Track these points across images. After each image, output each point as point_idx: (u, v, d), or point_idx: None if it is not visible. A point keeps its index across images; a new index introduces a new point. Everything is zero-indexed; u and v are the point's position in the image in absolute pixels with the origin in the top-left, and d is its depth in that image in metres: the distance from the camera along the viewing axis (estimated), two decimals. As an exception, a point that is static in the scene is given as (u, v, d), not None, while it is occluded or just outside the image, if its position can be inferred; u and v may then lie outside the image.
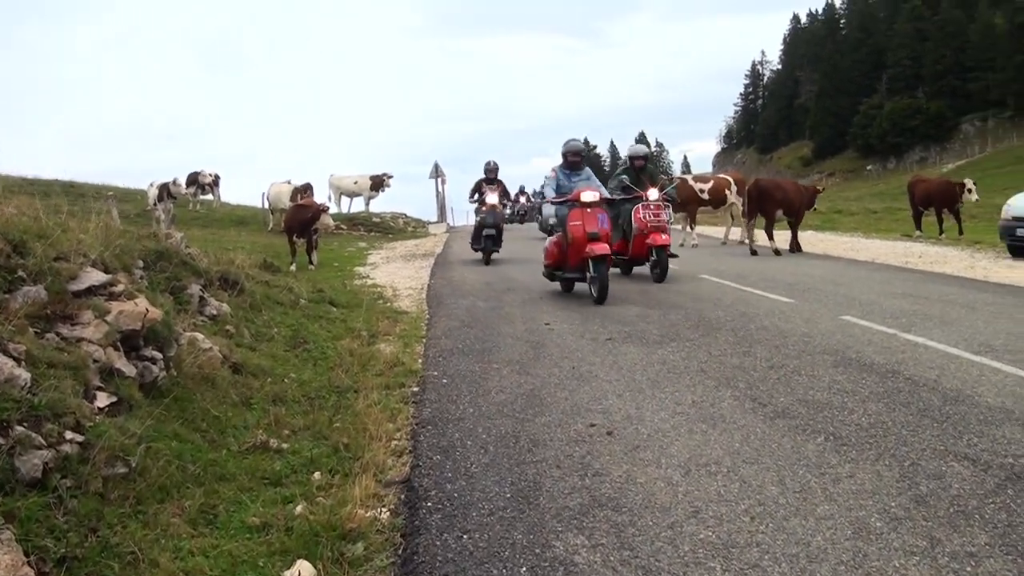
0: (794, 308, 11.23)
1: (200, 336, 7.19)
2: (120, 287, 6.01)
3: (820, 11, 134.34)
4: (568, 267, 13.00)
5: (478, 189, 21.11)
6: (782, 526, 4.43)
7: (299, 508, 4.74)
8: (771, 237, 20.03)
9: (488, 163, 21.33)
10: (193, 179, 30.32)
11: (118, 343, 5.52)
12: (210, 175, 31.40)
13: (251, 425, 6.17)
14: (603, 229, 12.53)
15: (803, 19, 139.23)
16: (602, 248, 12.23)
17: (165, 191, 24.50)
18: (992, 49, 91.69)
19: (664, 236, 14.62)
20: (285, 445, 5.88)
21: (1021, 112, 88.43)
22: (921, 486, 4.95)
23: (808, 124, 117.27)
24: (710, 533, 4.37)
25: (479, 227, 20.41)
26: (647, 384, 7.47)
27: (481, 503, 4.88)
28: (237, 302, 9.32)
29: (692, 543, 4.25)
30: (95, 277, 5.86)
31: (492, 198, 20.46)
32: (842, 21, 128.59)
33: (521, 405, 6.93)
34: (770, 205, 20.06)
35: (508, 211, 38.25)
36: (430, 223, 36.07)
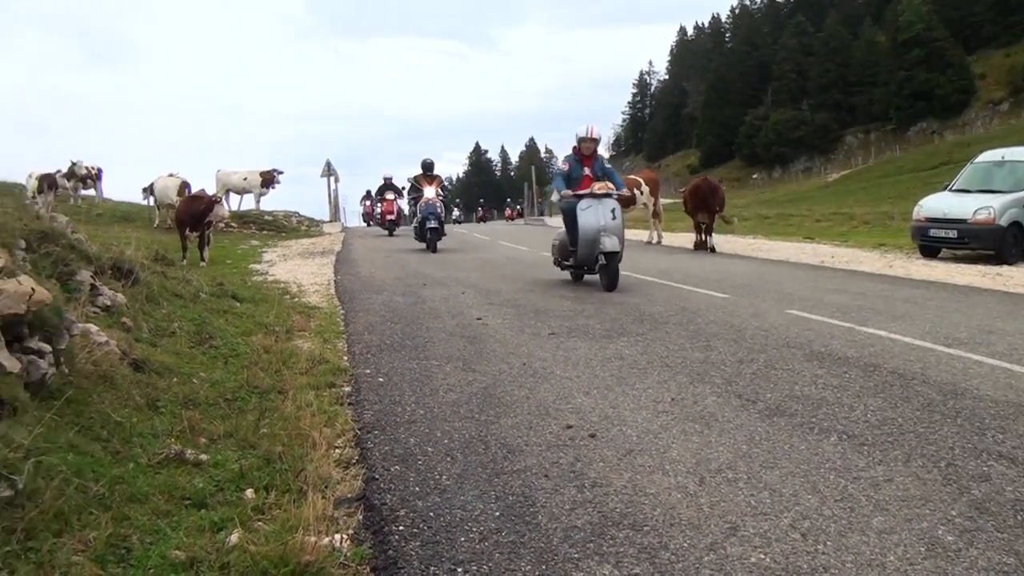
0: (734, 303, 10.61)
1: (94, 328, 6.06)
2: (0, 263, 4.88)
3: (706, 24, 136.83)
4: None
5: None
6: (842, 544, 3.64)
7: (234, 537, 3.70)
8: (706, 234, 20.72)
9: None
10: (71, 172, 28.28)
11: (-3, 331, 4.39)
12: (90, 168, 29.39)
13: (161, 433, 5.06)
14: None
15: (690, 31, 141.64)
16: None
17: (46, 182, 22.63)
18: (875, 65, 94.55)
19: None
20: (204, 456, 4.81)
21: (902, 125, 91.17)
22: (973, 490, 4.28)
23: (695, 133, 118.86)
24: (762, 556, 3.53)
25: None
26: (612, 380, 6.64)
27: (466, 524, 3.93)
28: (132, 293, 8.13)
29: (746, 571, 3.40)
30: (-36, 249, 4.72)
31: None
32: (727, 34, 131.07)
33: (478, 405, 6.01)
34: (714, 204, 20.31)
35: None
36: (324, 222, 34.62)
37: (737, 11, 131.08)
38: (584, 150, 13.06)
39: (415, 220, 22.38)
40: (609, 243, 11.96)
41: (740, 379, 6.61)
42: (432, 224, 20.73)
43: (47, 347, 4.82)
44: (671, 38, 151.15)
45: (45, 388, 4.64)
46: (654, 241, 23.25)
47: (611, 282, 12.11)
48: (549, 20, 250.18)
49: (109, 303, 7.36)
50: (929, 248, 17.91)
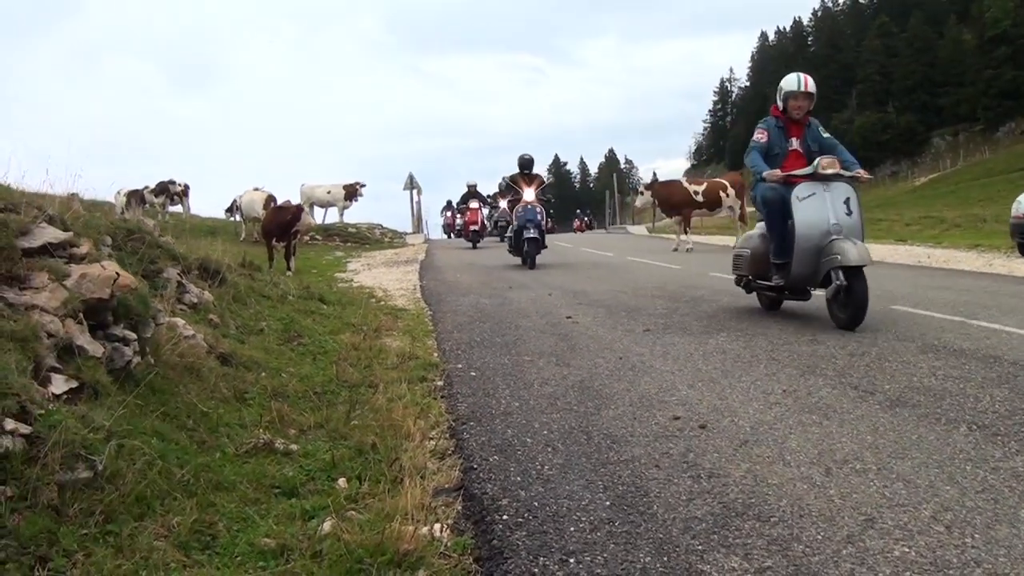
0: (834, 300, 10.10)
1: (181, 321, 5.92)
2: (84, 249, 4.75)
3: (788, 28, 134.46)
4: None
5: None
6: (991, 537, 3.25)
7: (327, 525, 3.48)
8: None
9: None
10: (163, 188, 28.62)
11: (80, 315, 4.24)
12: (180, 184, 29.80)
13: (249, 424, 4.89)
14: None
15: (771, 36, 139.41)
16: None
17: (135, 199, 22.92)
18: (961, 64, 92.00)
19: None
20: (294, 446, 4.61)
21: (991, 126, 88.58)
22: None
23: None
24: (906, 549, 3.16)
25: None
26: (717, 373, 6.29)
27: (575, 514, 3.63)
28: (219, 293, 8.03)
29: (891, 565, 3.04)
30: (52, 234, 4.60)
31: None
32: (810, 38, 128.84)
33: (576, 397, 5.71)
34: None
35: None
36: (407, 234, 34.69)
37: (819, 13, 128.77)
38: (793, 111, 8.84)
39: (509, 228, 18.92)
40: (851, 252, 7.91)
41: (854, 371, 6.21)
42: (531, 233, 17.10)
43: (132, 335, 4.68)
44: (752, 44, 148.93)
45: (129, 376, 4.48)
46: (742, 245, 22.68)
47: (854, 316, 8.03)
48: (625, 31, 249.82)
49: (196, 300, 7.26)
50: (1029, 246, 17.16)
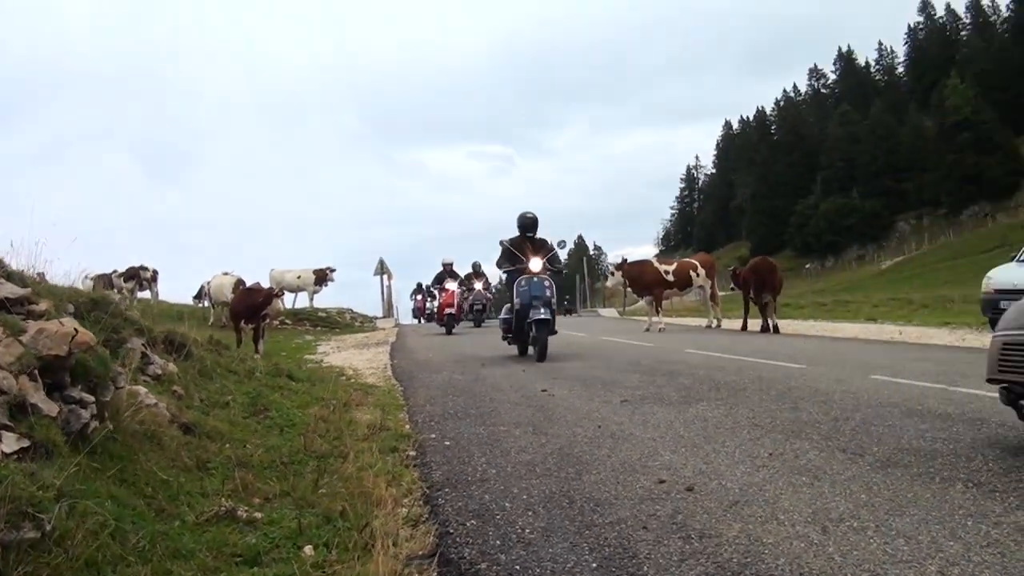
0: (812, 372, 10.00)
1: (143, 390, 5.68)
2: (43, 307, 4.53)
3: (751, 117, 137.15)
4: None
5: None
6: (1004, 590, 3.06)
7: (293, 593, 3.22)
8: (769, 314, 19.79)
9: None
10: (133, 273, 28.16)
11: (36, 373, 3.99)
12: (150, 270, 29.44)
13: (211, 492, 4.62)
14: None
15: (735, 125, 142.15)
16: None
17: (102, 283, 22.53)
18: (923, 150, 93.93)
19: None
20: (258, 515, 4.34)
21: (955, 210, 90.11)
22: None
23: (745, 225, 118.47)
24: (917, 605, 2.96)
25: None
26: (700, 439, 6.08)
27: (560, 576, 3.40)
28: (185, 367, 7.76)
29: (901, 618, 2.84)
30: (9, 289, 4.39)
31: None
32: (773, 126, 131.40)
33: (555, 463, 5.48)
34: (775, 282, 19.90)
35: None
36: (377, 318, 34.46)
37: (782, 103, 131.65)
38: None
39: (504, 309, 14.85)
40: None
41: (839, 435, 6.03)
42: (541, 314, 12.88)
43: (90, 398, 4.42)
44: (716, 133, 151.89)
45: (86, 440, 4.21)
46: (713, 325, 22.61)
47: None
48: (593, 121, 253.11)
49: (160, 372, 7.00)
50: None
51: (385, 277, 35.58)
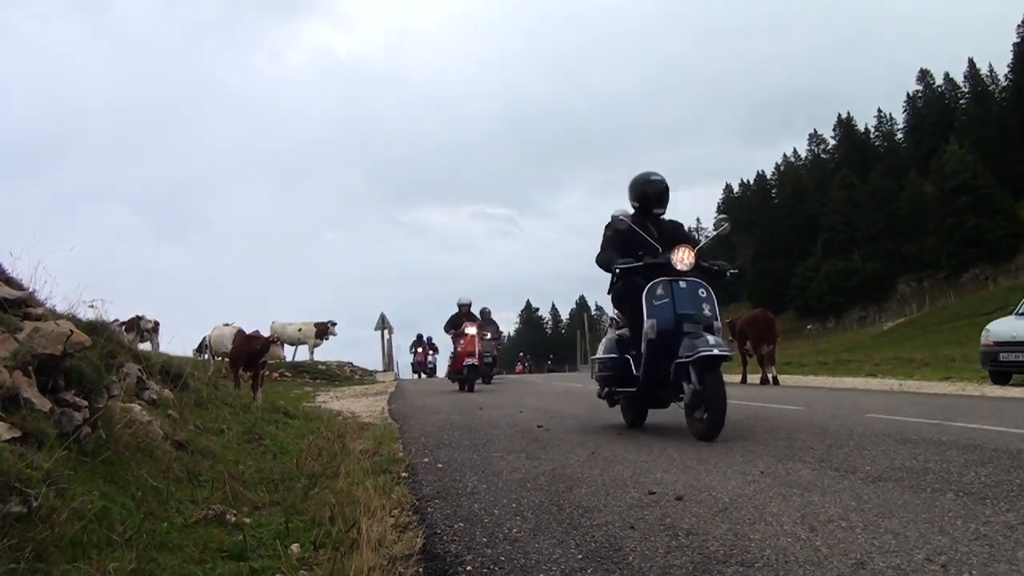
0: (809, 412, 9.98)
1: (137, 407, 5.69)
2: (40, 311, 4.56)
3: (751, 180, 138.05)
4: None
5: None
6: (989, 572, 3.07)
7: (276, 580, 3.22)
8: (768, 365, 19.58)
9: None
10: (133, 324, 28.20)
11: (30, 370, 4.02)
12: (151, 321, 29.42)
13: (201, 500, 4.62)
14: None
15: (735, 188, 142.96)
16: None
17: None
18: (923, 213, 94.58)
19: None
20: (247, 519, 4.33)
21: (955, 272, 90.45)
22: None
23: (745, 286, 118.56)
24: (902, 585, 2.95)
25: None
26: (693, 462, 6.07)
27: (546, 565, 3.39)
28: (181, 396, 7.77)
29: (886, 596, 2.83)
30: (6, 291, 4.43)
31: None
32: (774, 190, 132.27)
33: (546, 481, 5.47)
34: (774, 334, 19.78)
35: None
36: (377, 371, 34.42)
37: (782, 167, 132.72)
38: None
39: (605, 344, 11.06)
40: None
41: (833, 457, 6.02)
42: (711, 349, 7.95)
43: (83, 402, 4.45)
44: (717, 196, 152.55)
45: (78, 445, 4.23)
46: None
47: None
48: (595, 184, 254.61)
49: (155, 397, 7.02)
50: (1000, 374, 17.08)
51: (386, 332, 35.57)
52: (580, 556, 3.50)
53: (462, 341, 19.97)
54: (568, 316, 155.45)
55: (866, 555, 3.34)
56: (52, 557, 2.90)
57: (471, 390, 18.64)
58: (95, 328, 7.02)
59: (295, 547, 3.85)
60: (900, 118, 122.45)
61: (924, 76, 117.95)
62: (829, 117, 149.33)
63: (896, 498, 4.48)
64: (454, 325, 21.30)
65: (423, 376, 36.94)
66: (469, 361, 19.11)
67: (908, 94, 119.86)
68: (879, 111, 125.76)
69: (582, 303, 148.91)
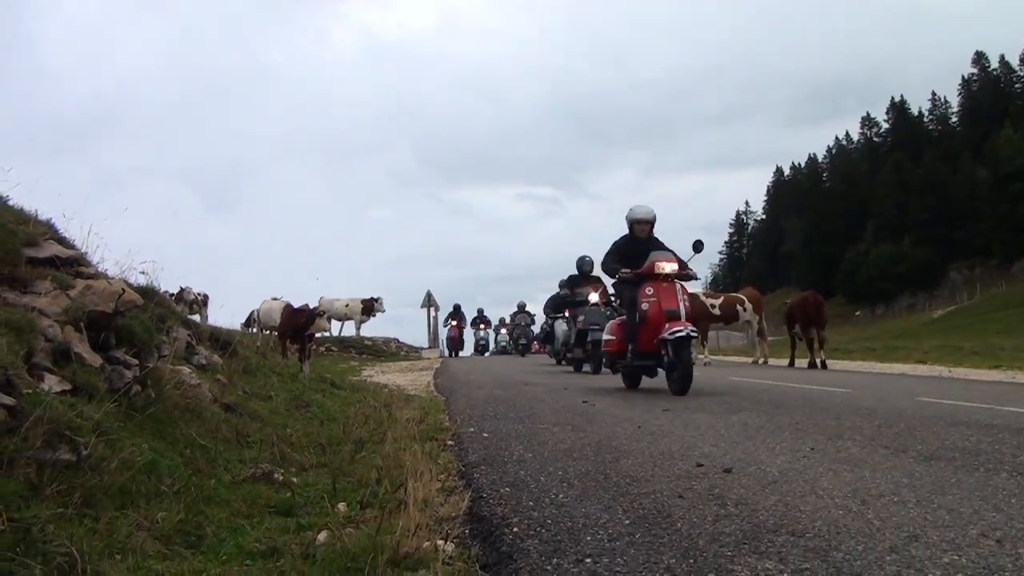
0: (857, 395, 9.84)
1: (187, 370, 5.74)
2: (91, 270, 4.61)
3: (803, 164, 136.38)
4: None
5: (573, 287, 18.07)
6: (1048, 551, 2.98)
7: (322, 536, 3.23)
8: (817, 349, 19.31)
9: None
10: (178, 296, 28.58)
11: (81, 326, 4.07)
12: (199, 294, 29.78)
13: (248, 460, 4.65)
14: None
15: (786, 171, 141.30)
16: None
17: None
18: (975, 199, 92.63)
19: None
20: (295, 479, 4.36)
21: (1007, 260, 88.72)
22: None
23: (794, 271, 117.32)
24: (955, 557, 2.89)
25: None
26: (740, 437, 6.02)
27: (592, 528, 3.37)
28: (230, 363, 7.84)
29: (940, 569, 2.78)
30: (59, 249, 4.47)
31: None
32: (824, 173, 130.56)
33: (592, 451, 5.44)
34: (823, 317, 19.60)
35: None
36: (423, 349, 34.57)
37: (834, 151, 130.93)
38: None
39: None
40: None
41: (883, 436, 5.94)
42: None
43: (133, 361, 4.50)
44: (767, 179, 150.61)
45: (128, 402, 4.27)
46: (760, 361, 22.29)
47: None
48: (642, 166, 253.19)
49: (204, 362, 7.08)
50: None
51: (432, 309, 35.66)
52: (627, 521, 3.47)
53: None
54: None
55: (919, 528, 3.28)
56: (100, 503, 2.93)
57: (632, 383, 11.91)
58: (146, 292, 7.10)
59: (342, 506, 3.87)
60: (955, 102, 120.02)
61: (979, 59, 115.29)
62: (881, 99, 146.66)
63: (949, 476, 4.41)
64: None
65: (454, 355, 34.21)
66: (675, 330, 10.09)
67: (963, 77, 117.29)
68: (933, 94, 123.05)
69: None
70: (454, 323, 35.24)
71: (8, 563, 2.26)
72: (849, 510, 3.61)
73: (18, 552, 2.31)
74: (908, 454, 5.16)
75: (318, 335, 17.05)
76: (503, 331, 35.96)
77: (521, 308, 33.70)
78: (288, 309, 19.49)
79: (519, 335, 32.62)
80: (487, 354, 36.01)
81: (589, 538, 3.21)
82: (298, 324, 16.39)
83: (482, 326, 37.56)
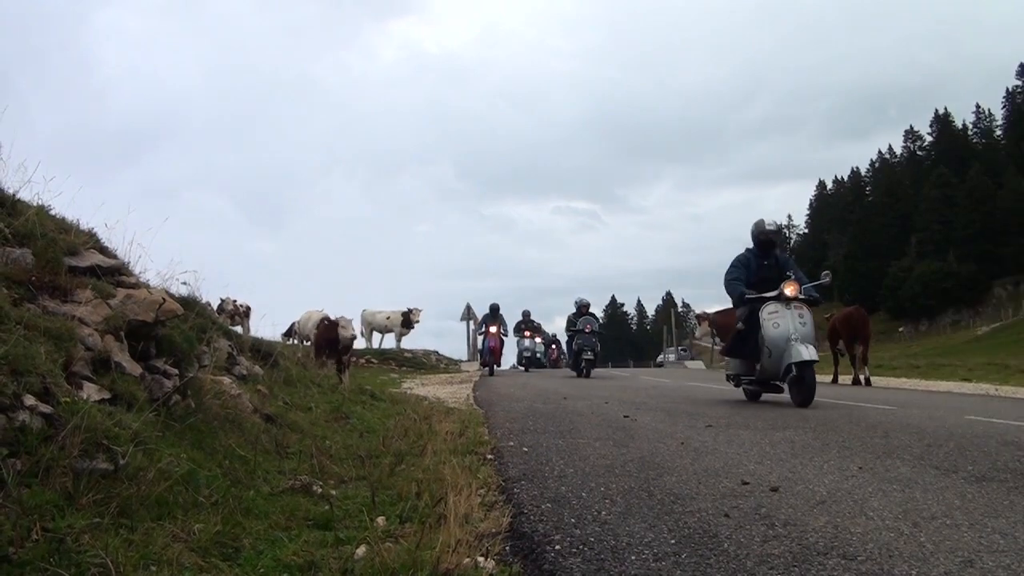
0: (904, 412, 9.64)
1: (227, 380, 5.74)
2: (132, 280, 4.61)
3: (846, 178, 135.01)
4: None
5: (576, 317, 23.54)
6: (1112, 580, 2.86)
7: (361, 550, 3.18)
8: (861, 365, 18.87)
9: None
10: (219, 307, 28.76)
11: (121, 335, 4.06)
12: (239, 304, 29.99)
13: (288, 471, 4.62)
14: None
15: (829, 185, 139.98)
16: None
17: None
18: (1021, 214, 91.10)
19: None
20: (334, 492, 4.32)
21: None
22: None
23: (837, 285, 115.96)
24: (1015, 585, 2.79)
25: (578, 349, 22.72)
26: (786, 455, 5.90)
27: (637, 548, 3.30)
28: (271, 374, 7.84)
29: (998, 595, 2.68)
30: (100, 259, 4.47)
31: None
32: (868, 187, 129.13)
33: (635, 468, 5.36)
34: (868, 333, 19.26)
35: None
36: (463, 361, 34.57)
37: (877, 164, 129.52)
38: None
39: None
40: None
41: (932, 456, 5.80)
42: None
43: (173, 370, 4.49)
44: (810, 192, 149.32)
45: (167, 411, 4.26)
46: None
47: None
48: (681, 180, 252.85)
49: (245, 373, 7.09)
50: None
51: (471, 322, 35.68)
52: (673, 541, 3.39)
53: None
54: (654, 312, 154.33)
55: (974, 553, 3.17)
56: (136, 514, 2.90)
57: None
58: (187, 303, 7.12)
59: (381, 520, 3.82)
60: (999, 114, 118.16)
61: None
62: (924, 111, 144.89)
63: (1002, 498, 4.28)
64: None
65: (490, 370, 24.49)
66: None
67: (1007, 89, 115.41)
68: (977, 106, 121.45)
69: (669, 299, 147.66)
70: (492, 329, 25.08)
71: (42, 574, 2.23)
72: (901, 532, 3.50)
73: (52, 563, 2.29)
74: (959, 474, 5.02)
75: (353, 347, 17.06)
76: (538, 340, 31.13)
77: (584, 309, 24.01)
78: (322, 323, 19.64)
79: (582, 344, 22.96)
80: (532, 369, 29.53)
81: (634, 557, 3.14)
82: (331, 338, 16.50)
83: (527, 333, 30.28)
